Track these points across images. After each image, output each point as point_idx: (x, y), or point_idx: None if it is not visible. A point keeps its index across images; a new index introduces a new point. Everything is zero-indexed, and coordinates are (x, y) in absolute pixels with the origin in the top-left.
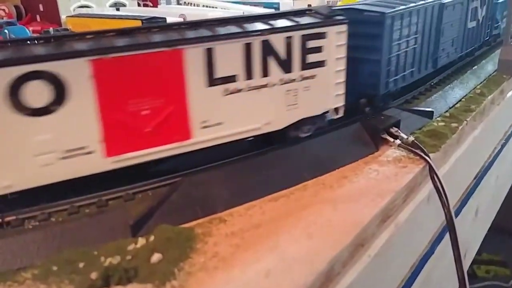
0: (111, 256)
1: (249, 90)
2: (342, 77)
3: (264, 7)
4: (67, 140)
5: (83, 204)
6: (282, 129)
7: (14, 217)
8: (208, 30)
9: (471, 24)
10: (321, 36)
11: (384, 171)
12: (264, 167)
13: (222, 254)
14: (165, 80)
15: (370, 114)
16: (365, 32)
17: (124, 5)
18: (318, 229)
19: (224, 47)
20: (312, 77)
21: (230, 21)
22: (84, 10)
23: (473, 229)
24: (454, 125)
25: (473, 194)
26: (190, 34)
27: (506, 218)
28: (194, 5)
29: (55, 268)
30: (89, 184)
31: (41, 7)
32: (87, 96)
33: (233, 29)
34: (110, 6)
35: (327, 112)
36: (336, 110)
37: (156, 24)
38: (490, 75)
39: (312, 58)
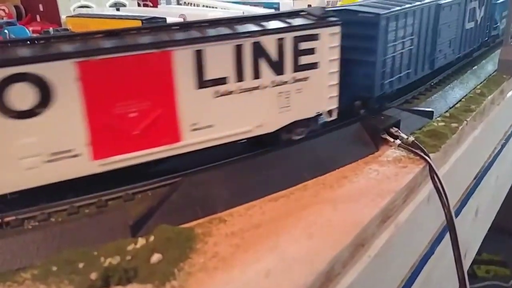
0: (110, 256)
1: (240, 92)
2: (335, 79)
3: (264, 7)
4: (52, 143)
5: (82, 204)
6: (274, 131)
7: (13, 217)
8: (198, 32)
9: (469, 25)
10: (313, 37)
11: (384, 171)
12: (264, 167)
13: (222, 254)
14: (153, 82)
15: (366, 116)
16: (359, 33)
17: (124, 5)
18: (318, 229)
19: (214, 48)
20: (304, 79)
21: (221, 22)
22: (84, 10)
23: (473, 229)
24: (454, 125)
25: (473, 194)
26: (179, 35)
27: (506, 218)
28: (194, 5)
29: (54, 268)
30: (89, 184)
31: (41, 7)
32: (73, 98)
33: (223, 30)
34: (110, 6)
35: (320, 114)
36: (330, 112)
37: (146, 25)
38: (490, 75)
39: (304, 60)
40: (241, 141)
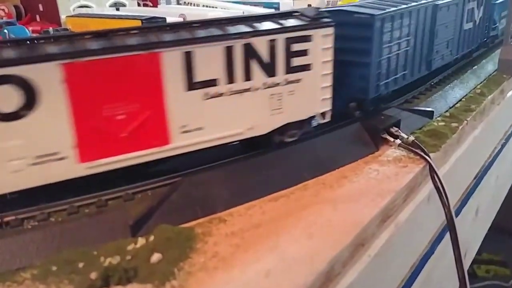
0: (110, 256)
1: (231, 94)
2: (328, 81)
3: (264, 7)
4: (38, 146)
5: (82, 204)
6: (266, 134)
7: (13, 217)
8: (188, 33)
9: (467, 26)
10: (306, 39)
11: (384, 171)
12: (264, 167)
13: (222, 254)
14: (141, 84)
15: (361, 117)
16: (354, 34)
17: (124, 5)
18: (318, 229)
19: (204, 50)
20: (297, 81)
21: (212, 23)
22: (84, 10)
23: (473, 229)
24: (454, 125)
25: (473, 194)
26: (168, 37)
27: (506, 218)
28: (194, 5)
29: (54, 268)
30: (89, 184)
31: (40, 7)
32: (59, 100)
33: (213, 31)
34: (110, 6)
35: (313, 116)
36: (323, 114)
37: (135, 26)
38: (490, 74)
39: (297, 61)
40: (233, 143)
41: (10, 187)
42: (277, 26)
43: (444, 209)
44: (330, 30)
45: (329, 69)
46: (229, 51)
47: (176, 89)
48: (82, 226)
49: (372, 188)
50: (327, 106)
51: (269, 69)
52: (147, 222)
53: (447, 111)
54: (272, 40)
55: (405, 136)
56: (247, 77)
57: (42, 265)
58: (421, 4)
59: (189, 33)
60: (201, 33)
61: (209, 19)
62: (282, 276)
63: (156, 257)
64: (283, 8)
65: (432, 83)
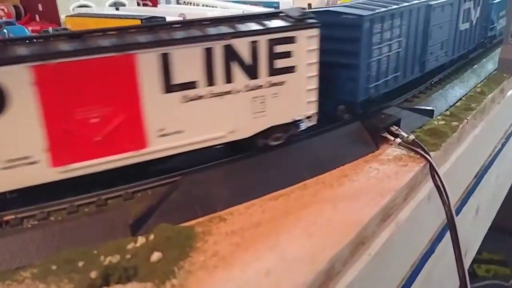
0: (110, 255)
1: (211, 97)
2: (314, 84)
3: (264, 6)
4: (8, 150)
5: (82, 203)
6: (250, 137)
7: (13, 216)
8: (166, 34)
9: (464, 26)
10: (290, 40)
11: (384, 170)
12: (264, 165)
13: (222, 253)
14: (116, 87)
15: (350, 121)
16: (343, 35)
17: (123, 5)
18: (318, 229)
19: (182, 52)
20: (281, 83)
21: (192, 24)
22: (83, 10)
23: (474, 228)
24: (454, 123)
25: (473, 193)
26: (144, 38)
27: (506, 217)
28: (193, 4)
29: (54, 267)
30: (89, 183)
31: (40, 7)
32: (29, 103)
33: (192, 33)
34: (110, 5)
35: (299, 120)
36: (309, 117)
37: (113, 27)
38: (490, 74)
39: (280, 63)
40: (213, 147)
41: None
42: (260, 27)
43: (445, 208)
44: (315, 31)
45: (314, 71)
46: (208, 52)
47: (152, 91)
48: (82, 225)
49: (372, 187)
50: (312, 109)
51: (251, 71)
52: (147, 221)
53: (447, 110)
54: (254, 42)
55: (405, 135)
56: (228, 79)
57: (42, 264)
58: (414, 4)
59: (167, 34)
60: (180, 34)
61: (190, 20)
62: (282, 275)
63: (156, 256)
64: (283, 8)
65: (432, 82)
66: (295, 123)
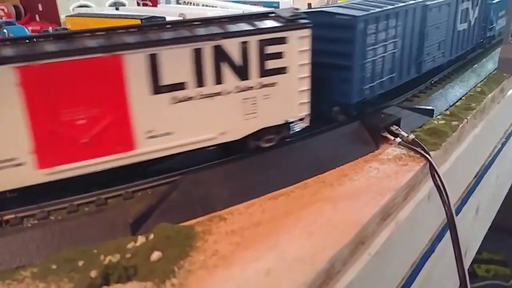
0: (110, 254)
1: (201, 98)
2: (306, 85)
3: (264, 6)
4: None
5: (82, 202)
6: (241, 139)
7: (13, 216)
8: (154, 34)
9: (462, 26)
10: (281, 41)
11: (384, 169)
12: (264, 165)
13: (222, 252)
14: (103, 88)
15: (350, 120)
16: (336, 36)
17: (123, 5)
18: (318, 228)
19: (170, 52)
20: (272, 84)
21: (182, 24)
22: (83, 10)
23: (474, 228)
24: (454, 123)
25: (473, 192)
26: (132, 39)
27: (506, 217)
28: (193, 4)
29: (54, 266)
30: (89, 183)
31: (40, 7)
32: (14, 105)
33: (181, 33)
34: (110, 5)
35: (291, 122)
36: (302, 119)
37: (101, 28)
38: (490, 73)
39: (271, 64)
40: (203, 149)
41: None
42: (250, 27)
43: (445, 208)
44: (307, 32)
45: (306, 72)
46: (197, 53)
47: (140, 92)
48: (82, 224)
49: (372, 187)
50: (305, 111)
51: (242, 72)
52: (147, 220)
53: (447, 109)
54: (244, 42)
55: (405, 135)
56: (218, 80)
57: (42, 263)
58: (410, 4)
59: (155, 34)
60: (168, 34)
61: (181, 20)
62: (282, 274)
63: (156, 255)
64: (283, 7)
65: (432, 82)
66: (287, 125)
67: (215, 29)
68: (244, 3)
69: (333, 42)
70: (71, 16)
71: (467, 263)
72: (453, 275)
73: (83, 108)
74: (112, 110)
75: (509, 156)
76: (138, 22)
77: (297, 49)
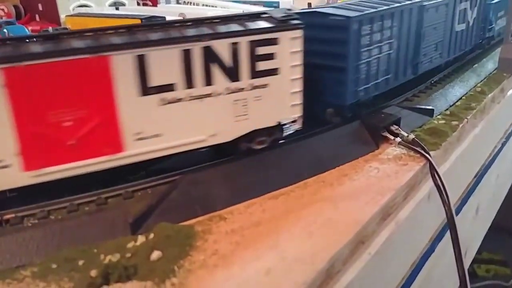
0: (110, 253)
1: (190, 100)
2: (298, 86)
3: (264, 6)
4: None
5: (82, 202)
6: (232, 141)
7: (13, 215)
8: (142, 35)
9: (460, 27)
10: (272, 42)
11: (384, 169)
12: (264, 164)
13: (222, 252)
14: (90, 89)
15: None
16: (330, 37)
17: (123, 4)
18: (318, 228)
19: (158, 53)
20: (263, 86)
21: (172, 25)
22: (83, 10)
23: (474, 228)
24: (454, 123)
25: (473, 192)
26: (119, 39)
27: (506, 217)
28: (193, 4)
29: (54, 266)
30: (89, 182)
31: (40, 7)
32: (0, 106)
33: (170, 34)
34: (110, 5)
35: (284, 124)
36: (294, 121)
37: (89, 28)
38: (491, 73)
39: (262, 65)
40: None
41: None
42: (241, 28)
43: (445, 208)
44: (299, 33)
45: (298, 73)
46: (186, 54)
47: (128, 94)
48: (82, 224)
49: (372, 186)
50: (297, 112)
51: (232, 73)
52: (147, 220)
53: (447, 109)
54: (235, 43)
55: (405, 134)
56: (208, 82)
57: (42, 263)
58: (405, 5)
59: (143, 35)
60: (157, 35)
61: (171, 21)
62: (282, 274)
63: (156, 254)
64: (283, 7)
65: (432, 82)
66: (280, 127)
67: (204, 30)
68: (244, 3)
69: (327, 43)
70: (71, 16)
71: (467, 263)
72: (453, 275)
73: (69, 110)
74: (100, 111)
75: (509, 156)
76: (138, 21)
77: (289, 50)
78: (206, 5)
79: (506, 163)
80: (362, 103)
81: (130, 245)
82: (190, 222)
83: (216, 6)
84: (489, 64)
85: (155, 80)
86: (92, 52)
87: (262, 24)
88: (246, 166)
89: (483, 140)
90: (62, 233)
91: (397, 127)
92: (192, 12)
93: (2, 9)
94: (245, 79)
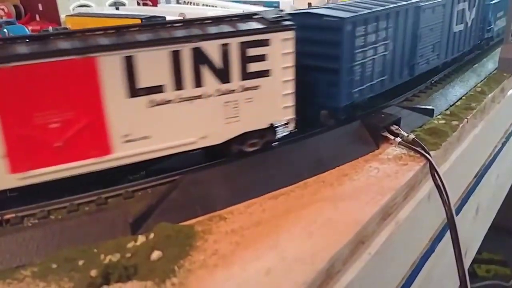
0: (110, 253)
1: (180, 102)
2: (290, 88)
3: (265, 6)
4: None
5: (82, 202)
6: (223, 143)
7: (13, 215)
8: (131, 36)
9: (458, 28)
10: (263, 43)
11: (384, 169)
12: (264, 164)
13: (222, 252)
14: (77, 91)
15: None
16: (324, 38)
17: (123, 4)
18: (318, 228)
19: (147, 54)
20: (255, 87)
21: (162, 26)
22: (83, 9)
23: (474, 228)
24: (454, 123)
25: (473, 192)
26: (107, 40)
27: (506, 217)
28: (194, 4)
29: (54, 266)
30: (89, 182)
31: (40, 7)
32: None
33: (159, 35)
34: (110, 5)
35: (276, 125)
36: (287, 123)
37: (77, 29)
38: (491, 73)
39: (254, 67)
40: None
41: None
42: (231, 29)
43: (445, 208)
44: (290, 34)
45: (290, 75)
46: (176, 55)
47: (116, 96)
48: (82, 224)
49: (372, 186)
50: (289, 114)
51: (223, 75)
52: (147, 220)
53: (447, 109)
54: (225, 45)
55: (406, 134)
56: (198, 83)
57: (42, 262)
58: (401, 6)
59: (132, 36)
60: (145, 36)
61: (161, 22)
62: (282, 274)
63: (156, 254)
64: (283, 7)
65: (433, 82)
66: (272, 129)
67: (194, 31)
68: (244, 2)
69: (320, 44)
70: (71, 15)
71: (467, 263)
72: (453, 275)
73: (56, 111)
74: (87, 113)
75: (509, 156)
76: (138, 21)
77: (281, 51)
78: (206, 5)
79: (506, 163)
80: (357, 105)
81: (130, 245)
82: (190, 222)
83: (216, 6)
84: (489, 64)
85: (143, 81)
86: (78, 53)
87: (253, 25)
88: (246, 166)
89: (483, 140)
90: (62, 233)
91: (397, 127)
92: (192, 12)
93: (2, 9)
94: (235, 81)
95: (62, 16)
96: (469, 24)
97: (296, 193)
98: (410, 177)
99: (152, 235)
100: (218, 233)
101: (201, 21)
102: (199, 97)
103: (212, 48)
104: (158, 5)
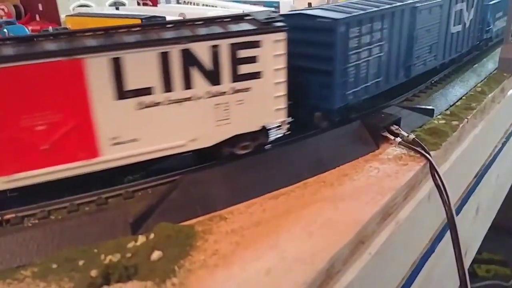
0: (111, 253)
1: (169, 104)
2: (282, 90)
3: (265, 6)
4: None
5: (82, 202)
6: (214, 146)
7: (13, 215)
8: (118, 38)
9: (456, 29)
10: (254, 44)
11: (384, 169)
12: (264, 164)
13: (223, 252)
14: (63, 93)
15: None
16: (317, 40)
17: (123, 4)
18: (318, 228)
19: (135, 56)
20: (246, 89)
21: (152, 27)
22: (83, 9)
23: (474, 228)
24: (454, 123)
25: (473, 192)
26: (94, 42)
27: (506, 217)
28: (194, 4)
29: (54, 266)
30: (89, 182)
31: (40, 7)
32: None
33: (147, 36)
34: (110, 5)
35: (268, 128)
36: (279, 125)
37: (63, 31)
38: (491, 73)
39: (245, 69)
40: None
41: None
42: (221, 30)
43: (445, 208)
44: (282, 35)
45: (282, 77)
46: (164, 57)
47: (104, 98)
48: (82, 224)
49: (373, 186)
50: (281, 116)
51: (213, 77)
52: (147, 220)
53: (447, 109)
54: (215, 46)
55: (406, 134)
56: (187, 85)
57: (43, 263)
58: (397, 6)
59: (119, 38)
60: (133, 38)
61: (152, 23)
62: (282, 274)
63: (156, 254)
64: (283, 7)
65: (432, 82)
66: (264, 131)
67: (183, 32)
68: (244, 2)
69: (314, 45)
70: (71, 15)
71: (467, 263)
72: (453, 275)
73: (42, 114)
74: (74, 115)
75: (509, 156)
76: (138, 21)
77: (272, 53)
78: (206, 5)
79: (506, 163)
80: (351, 106)
81: (130, 245)
82: (190, 222)
83: (216, 6)
84: (489, 64)
85: (131, 83)
86: (65, 55)
87: (245, 26)
88: (246, 166)
89: (483, 140)
90: (62, 233)
91: (397, 127)
92: (192, 12)
93: (2, 9)
94: (226, 83)
95: (62, 16)
96: (467, 25)
97: (296, 193)
98: (410, 177)
99: (152, 235)
100: (218, 233)
101: (191, 22)
102: (188, 99)
103: (201, 50)
104: (158, 5)
